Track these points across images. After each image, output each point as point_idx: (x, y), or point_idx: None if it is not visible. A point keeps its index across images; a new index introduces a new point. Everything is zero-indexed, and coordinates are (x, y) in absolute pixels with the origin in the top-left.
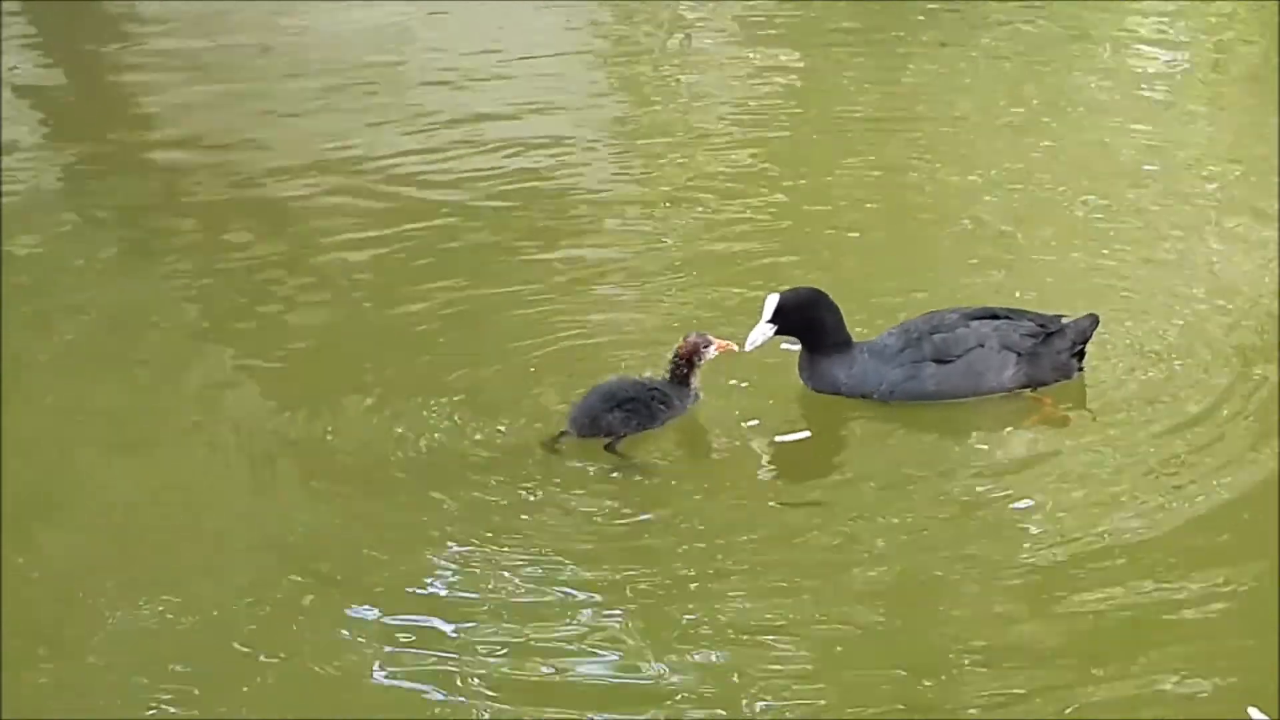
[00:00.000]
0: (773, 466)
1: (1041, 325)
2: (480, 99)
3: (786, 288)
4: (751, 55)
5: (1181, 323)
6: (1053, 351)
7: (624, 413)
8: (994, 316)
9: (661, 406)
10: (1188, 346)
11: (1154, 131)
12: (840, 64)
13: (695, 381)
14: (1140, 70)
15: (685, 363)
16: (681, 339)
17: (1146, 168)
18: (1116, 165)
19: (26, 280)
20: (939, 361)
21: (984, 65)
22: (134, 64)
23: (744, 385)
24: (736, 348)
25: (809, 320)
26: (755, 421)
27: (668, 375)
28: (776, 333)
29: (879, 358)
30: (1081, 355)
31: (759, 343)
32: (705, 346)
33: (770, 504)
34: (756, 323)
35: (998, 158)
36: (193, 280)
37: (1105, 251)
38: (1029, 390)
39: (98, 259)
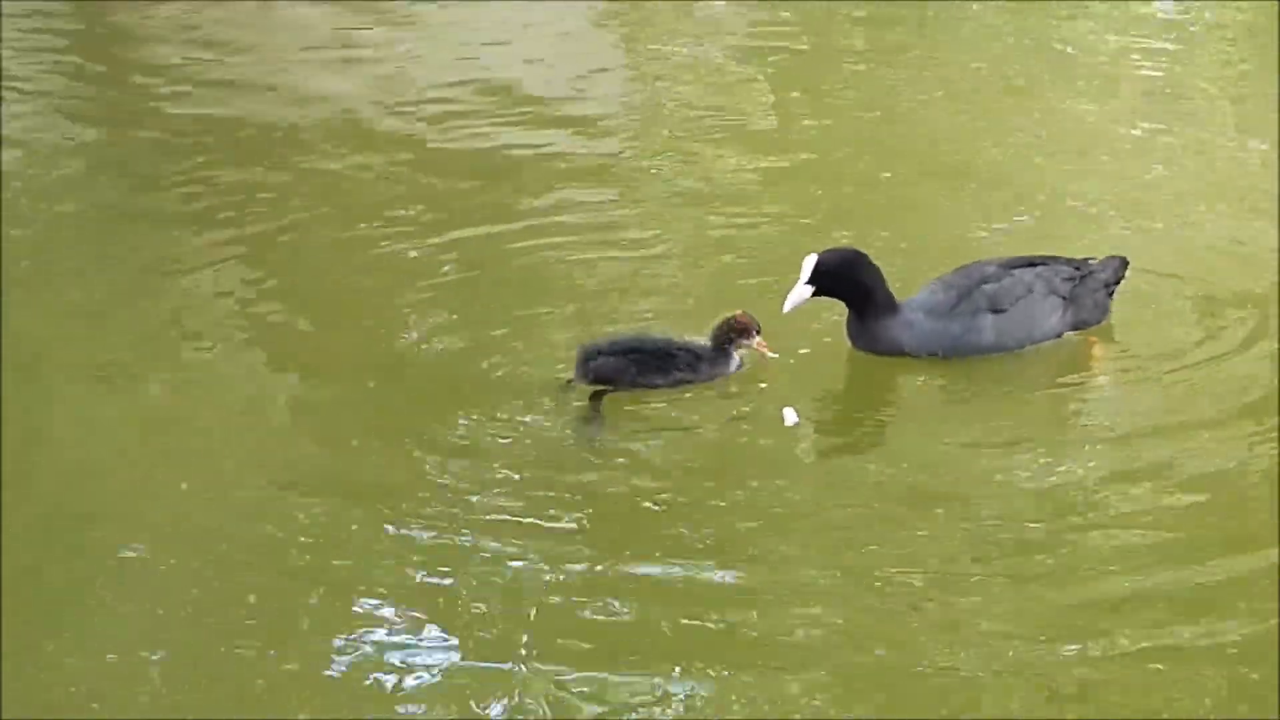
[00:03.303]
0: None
1: (1076, 268)
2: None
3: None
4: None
5: (1201, 276)
6: (1090, 292)
7: (627, 360)
8: (1030, 264)
9: (685, 367)
10: (1205, 299)
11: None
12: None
13: (738, 353)
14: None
15: (725, 333)
16: (740, 312)
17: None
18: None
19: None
20: (995, 311)
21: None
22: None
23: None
24: (775, 356)
25: (850, 282)
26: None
27: (709, 340)
28: (815, 294)
29: (934, 315)
30: (1111, 295)
31: (797, 304)
32: (751, 333)
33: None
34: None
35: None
36: None
37: (1128, 206)
38: (1076, 333)
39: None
